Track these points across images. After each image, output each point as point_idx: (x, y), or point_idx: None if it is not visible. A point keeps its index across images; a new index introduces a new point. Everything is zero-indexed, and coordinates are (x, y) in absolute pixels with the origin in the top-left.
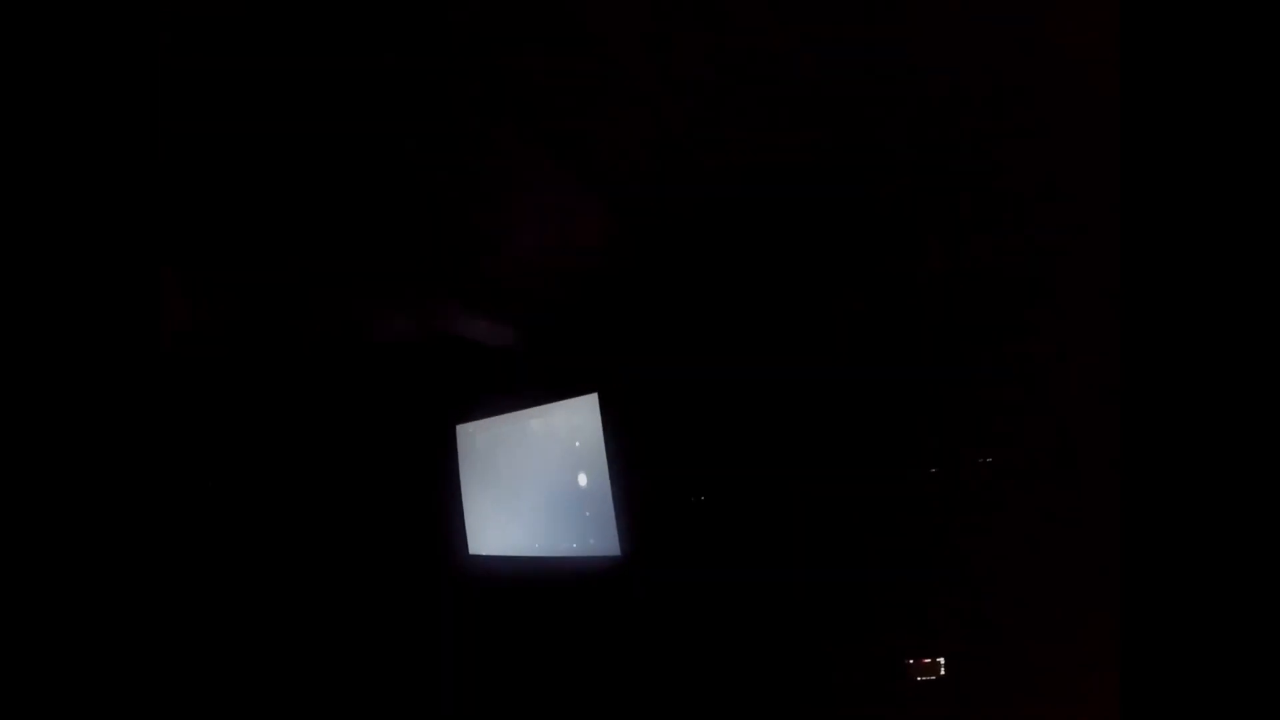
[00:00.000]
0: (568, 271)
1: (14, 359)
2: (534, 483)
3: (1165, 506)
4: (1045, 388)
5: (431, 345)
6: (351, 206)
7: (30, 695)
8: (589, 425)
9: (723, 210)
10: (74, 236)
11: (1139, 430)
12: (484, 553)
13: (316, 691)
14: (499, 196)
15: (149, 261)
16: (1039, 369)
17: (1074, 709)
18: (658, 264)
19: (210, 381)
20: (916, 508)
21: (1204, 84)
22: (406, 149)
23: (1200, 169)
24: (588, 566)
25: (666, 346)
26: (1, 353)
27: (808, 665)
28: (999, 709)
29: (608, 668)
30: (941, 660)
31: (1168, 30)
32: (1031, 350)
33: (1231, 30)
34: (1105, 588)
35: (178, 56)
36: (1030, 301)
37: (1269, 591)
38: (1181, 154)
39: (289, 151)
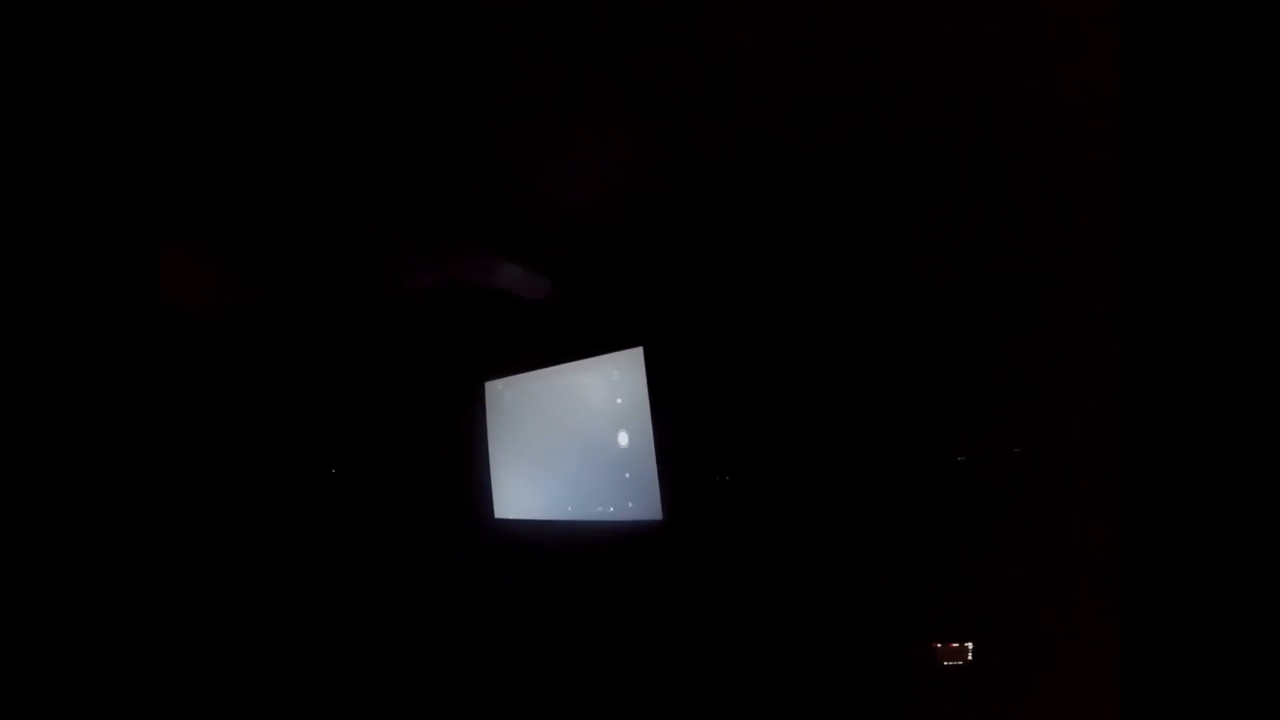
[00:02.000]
0: (613, 220)
1: (15, 338)
2: (568, 442)
3: (1165, 506)
4: (1048, 385)
5: (460, 296)
6: (380, 146)
7: (33, 679)
8: (633, 381)
9: (776, 172)
10: (75, 207)
11: (1139, 429)
12: (511, 516)
13: (334, 666)
14: (542, 136)
15: (149, 235)
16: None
17: (1074, 709)
18: (711, 215)
19: (233, 337)
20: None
21: (1204, 84)
22: (440, 87)
23: (1200, 169)
24: (627, 531)
25: (718, 301)
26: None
27: (831, 646)
28: (999, 707)
29: (641, 639)
30: (970, 645)
31: (1168, 30)
32: (1034, 346)
33: (1231, 30)
34: (1105, 587)
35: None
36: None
37: (1268, 591)
38: (1181, 154)
39: (320, 95)
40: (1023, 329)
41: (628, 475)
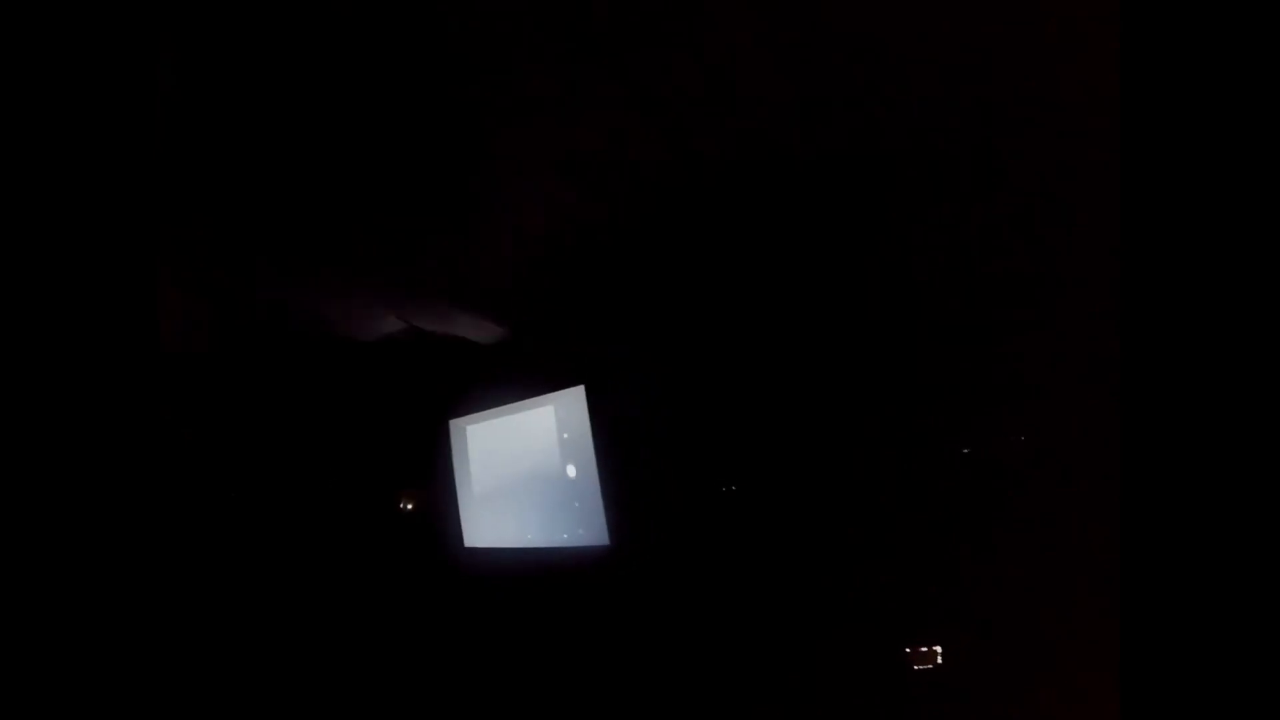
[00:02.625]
0: (554, 265)
1: (14, 354)
2: (525, 475)
3: (1165, 506)
4: (1048, 384)
5: (423, 343)
6: (337, 208)
7: (31, 687)
8: (576, 417)
9: (716, 201)
10: (71, 234)
11: (1139, 429)
12: (480, 545)
13: (315, 686)
14: (484, 193)
15: (146, 259)
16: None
17: (1074, 709)
18: (644, 256)
19: (203, 382)
20: (916, 499)
21: (1204, 84)
22: (390, 148)
23: (1200, 169)
24: (578, 556)
25: (652, 338)
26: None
27: (797, 655)
28: (999, 707)
29: (598, 656)
30: (939, 649)
31: (1168, 30)
32: (1034, 345)
33: (1231, 30)
34: (1105, 587)
35: (175, 56)
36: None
37: (1268, 591)
38: (1181, 153)
39: (276, 151)
40: (1023, 329)
41: (577, 504)
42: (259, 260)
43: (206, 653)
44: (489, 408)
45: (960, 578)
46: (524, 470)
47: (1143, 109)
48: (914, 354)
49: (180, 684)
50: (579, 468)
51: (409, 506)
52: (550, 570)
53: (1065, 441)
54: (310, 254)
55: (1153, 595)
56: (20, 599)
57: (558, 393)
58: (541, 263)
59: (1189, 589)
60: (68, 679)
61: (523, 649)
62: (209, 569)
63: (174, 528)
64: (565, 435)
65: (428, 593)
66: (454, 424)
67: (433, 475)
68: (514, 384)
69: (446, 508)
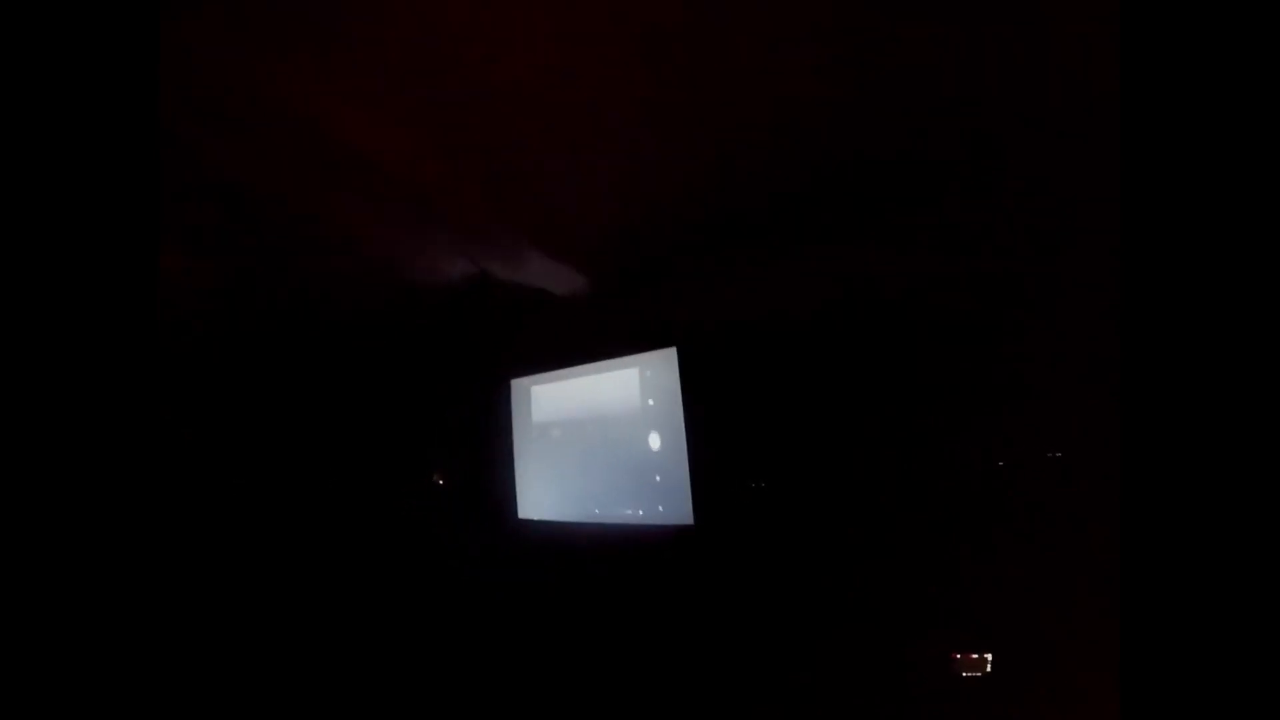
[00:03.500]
0: (651, 214)
1: (15, 339)
2: (598, 443)
3: (1165, 506)
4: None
5: (488, 289)
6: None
7: (33, 677)
8: (665, 382)
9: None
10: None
11: (1139, 429)
12: (536, 517)
13: (351, 660)
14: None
15: (149, 234)
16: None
17: (1074, 709)
18: (750, 219)
19: (254, 332)
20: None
21: (1204, 84)
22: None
23: (1200, 169)
24: (656, 534)
25: (751, 305)
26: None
27: (854, 649)
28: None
29: (670, 642)
30: (989, 656)
31: (1168, 30)
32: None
33: (1231, 30)
34: (1105, 587)
35: None
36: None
37: (1268, 591)
38: (1181, 153)
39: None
40: (1023, 330)
41: (658, 478)
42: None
43: (242, 622)
44: (560, 367)
45: (960, 578)
46: (597, 438)
47: (1143, 109)
48: (932, 357)
49: (209, 658)
50: (664, 439)
51: (456, 472)
52: (618, 548)
53: (1065, 442)
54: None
55: (1153, 595)
56: (29, 592)
57: (644, 354)
58: (637, 211)
59: (1189, 589)
60: (84, 674)
61: (584, 631)
62: (242, 526)
63: (212, 481)
64: (650, 402)
65: (477, 567)
66: (516, 384)
67: (486, 439)
68: (592, 342)
69: (500, 475)
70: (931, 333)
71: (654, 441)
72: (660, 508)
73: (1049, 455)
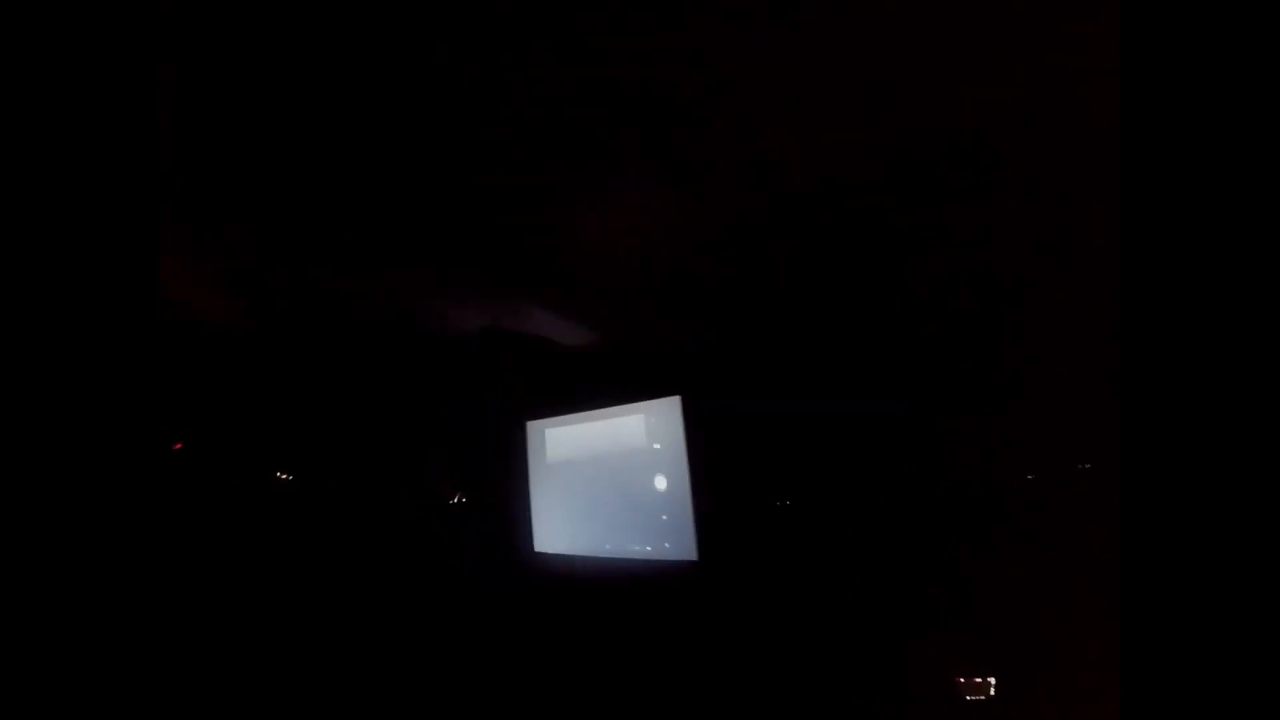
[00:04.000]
0: (655, 272)
1: (15, 338)
2: (608, 483)
3: (1165, 506)
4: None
5: (504, 341)
6: (430, 198)
7: (33, 675)
8: (669, 428)
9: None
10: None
11: (1139, 429)
12: (550, 550)
13: (360, 687)
14: (589, 193)
15: (149, 239)
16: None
17: (1074, 708)
18: (747, 270)
19: (282, 374)
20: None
21: (1204, 84)
22: (494, 140)
23: (1200, 169)
24: (662, 570)
25: (752, 353)
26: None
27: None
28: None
29: (675, 671)
30: (992, 681)
31: (1167, 30)
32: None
33: (1231, 30)
34: (1105, 587)
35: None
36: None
37: (1268, 591)
38: (1181, 153)
39: (363, 139)
40: (1023, 331)
41: (665, 518)
42: (344, 247)
43: (254, 647)
44: (571, 411)
45: (964, 610)
46: (607, 478)
47: (1143, 109)
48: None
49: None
50: (670, 480)
51: (474, 505)
52: (627, 581)
53: (1066, 442)
54: (404, 246)
55: (1153, 595)
56: (20, 596)
57: (650, 401)
58: (642, 266)
59: (1189, 589)
60: (69, 676)
61: (593, 657)
62: (263, 562)
63: (226, 522)
64: (656, 446)
65: (494, 593)
66: (531, 426)
67: (504, 476)
68: (601, 389)
69: (517, 510)
70: (927, 370)
71: (660, 483)
72: (667, 544)
73: (1069, 468)
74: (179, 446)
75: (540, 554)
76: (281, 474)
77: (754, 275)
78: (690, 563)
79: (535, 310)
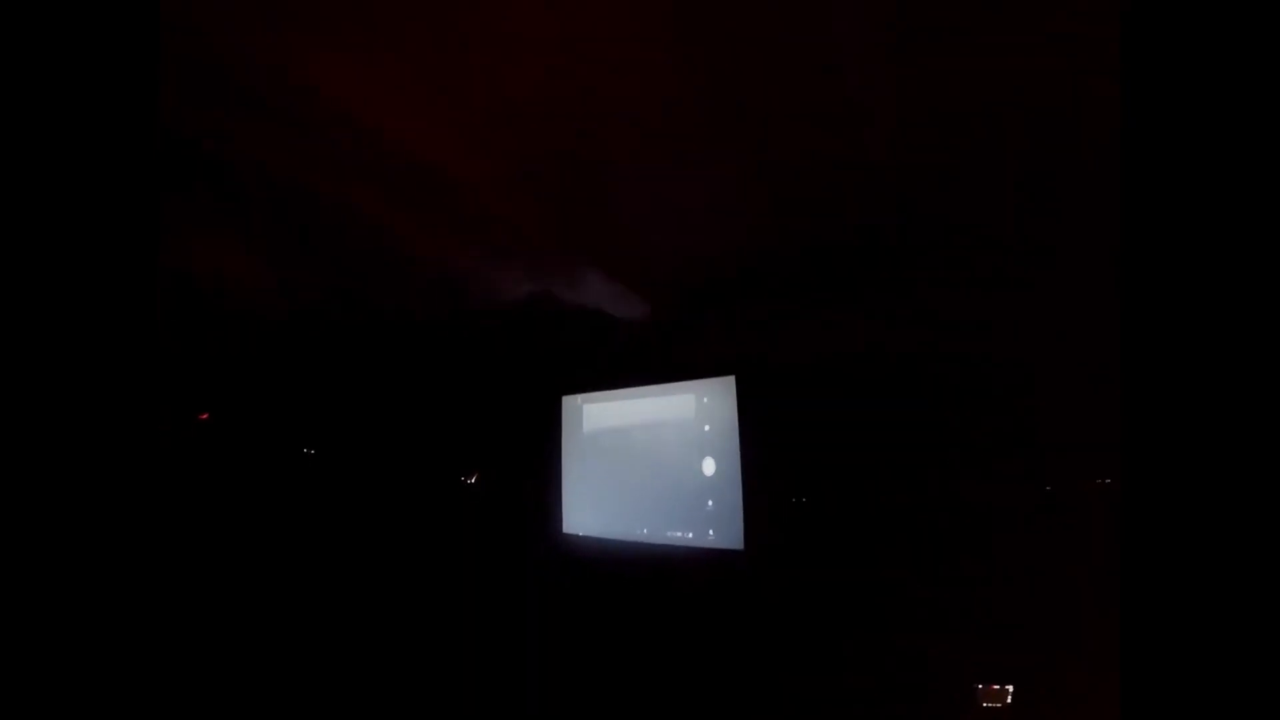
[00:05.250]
0: (716, 251)
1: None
2: (651, 465)
3: (1165, 506)
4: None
5: (547, 307)
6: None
7: (33, 673)
8: (722, 410)
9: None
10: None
11: (1139, 429)
12: (581, 532)
13: (382, 666)
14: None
15: (149, 226)
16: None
17: (1074, 708)
18: (811, 255)
19: (318, 341)
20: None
21: (1204, 84)
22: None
23: (1200, 169)
24: (703, 557)
25: (813, 340)
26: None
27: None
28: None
29: (705, 667)
30: (1010, 689)
31: (1167, 30)
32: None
33: (1231, 31)
34: (1105, 588)
35: None
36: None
37: (1268, 591)
38: (1181, 153)
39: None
40: (1025, 331)
41: (711, 503)
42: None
43: (281, 628)
44: (617, 387)
45: (1006, 597)
46: (649, 459)
47: (1143, 109)
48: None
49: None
50: (719, 465)
51: (502, 482)
52: (665, 569)
53: (1066, 444)
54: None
55: (1153, 595)
56: (21, 590)
57: (702, 380)
58: (705, 241)
59: (1189, 589)
60: (70, 672)
61: (624, 647)
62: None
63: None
64: (706, 428)
65: (520, 577)
66: (567, 400)
67: (535, 452)
68: (650, 365)
69: (545, 489)
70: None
71: (708, 467)
72: (711, 532)
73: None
74: (205, 417)
75: (569, 535)
76: (306, 449)
77: (817, 261)
78: (736, 552)
79: (586, 279)
